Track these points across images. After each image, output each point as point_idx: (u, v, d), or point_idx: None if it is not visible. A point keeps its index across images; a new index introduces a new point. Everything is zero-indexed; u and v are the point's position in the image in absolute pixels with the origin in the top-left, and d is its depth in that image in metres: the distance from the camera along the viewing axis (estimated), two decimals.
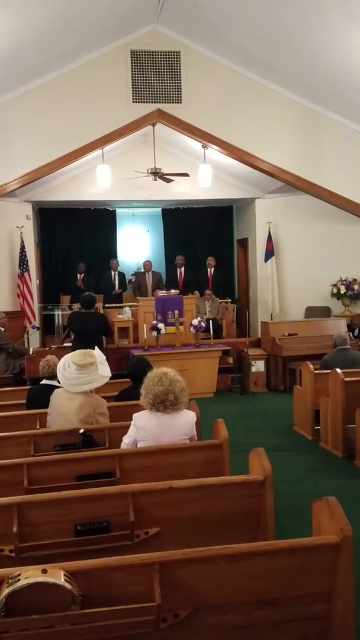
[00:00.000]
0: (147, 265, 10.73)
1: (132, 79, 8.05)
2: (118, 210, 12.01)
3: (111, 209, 11.87)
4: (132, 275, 11.38)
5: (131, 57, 8.02)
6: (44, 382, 4.74)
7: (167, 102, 8.14)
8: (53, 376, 4.63)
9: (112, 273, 10.61)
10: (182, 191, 10.29)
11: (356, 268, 9.58)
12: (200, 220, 11.84)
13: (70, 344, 6.97)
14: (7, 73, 7.21)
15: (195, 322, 8.13)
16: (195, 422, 3.38)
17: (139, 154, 9.38)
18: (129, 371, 4.62)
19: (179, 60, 8.11)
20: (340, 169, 8.63)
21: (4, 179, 7.92)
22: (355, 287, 9.49)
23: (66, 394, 3.86)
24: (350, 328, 8.55)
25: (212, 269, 10.54)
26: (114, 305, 9.93)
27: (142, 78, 8.07)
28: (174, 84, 8.14)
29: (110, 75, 7.99)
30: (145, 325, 8.12)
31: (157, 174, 8.82)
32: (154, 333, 7.94)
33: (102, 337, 7.35)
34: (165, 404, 3.20)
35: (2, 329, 7.81)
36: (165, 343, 8.15)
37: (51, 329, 9.77)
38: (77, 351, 3.98)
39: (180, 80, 8.14)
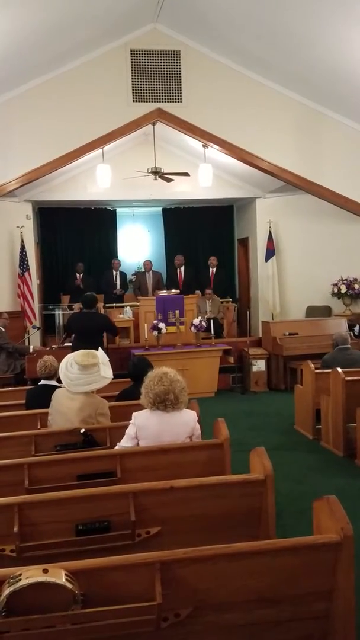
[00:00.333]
0: (148, 264, 10.74)
1: (132, 78, 8.05)
2: (118, 210, 12.00)
3: (111, 209, 11.86)
4: (132, 275, 11.39)
5: (131, 56, 8.02)
6: (42, 382, 4.74)
7: (167, 102, 8.14)
8: (51, 376, 4.64)
9: (114, 273, 10.61)
10: (183, 191, 10.29)
11: (357, 267, 9.57)
12: (201, 219, 11.83)
13: (70, 344, 6.97)
14: (6, 72, 7.21)
15: (196, 321, 8.13)
16: (196, 420, 3.38)
17: (139, 154, 9.38)
18: (130, 371, 4.62)
19: (179, 60, 8.11)
20: (340, 168, 8.63)
21: (4, 178, 7.91)
22: (356, 286, 9.48)
23: (67, 394, 3.86)
24: (350, 327, 8.55)
25: (214, 269, 10.54)
26: (114, 305, 9.93)
27: (142, 77, 8.07)
28: (174, 83, 8.14)
29: (110, 74, 7.99)
30: (146, 325, 8.13)
31: (157, 173, 8.81)
32: (155, 333, 7.94)
33: (103, 337, 7.34)
34: (165, 403, 3.21)
35: (3, 329, 7.81)
36: (166, 343, 8.15)
37: (51, 328, 9.77)
38: (80, 351, 3.97)
39: (180, 79, 8.14)
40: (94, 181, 9.36)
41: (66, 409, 3.81)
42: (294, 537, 2.06)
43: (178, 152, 9.99)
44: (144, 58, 8.06)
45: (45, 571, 1.75)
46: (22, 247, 9.57)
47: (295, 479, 4.83)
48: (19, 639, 1.82)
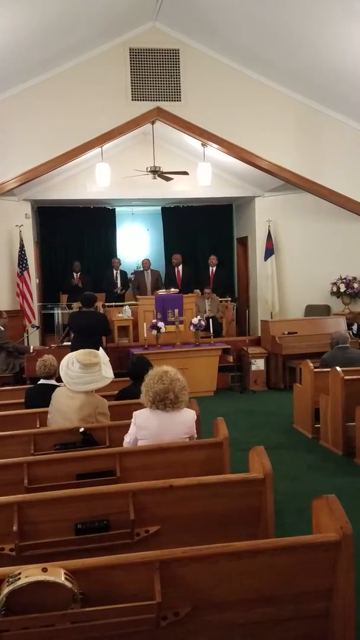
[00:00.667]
0: (146, 263, 10.74)
1: (131, 77, 8.04)
2: (117, 209, 12.00)
3: (110, 208, 11.86)
4: (131, 274, 11.39)
5: (130, 55, 8.01)
6: (41, 381, 4.74)
7: (166, 100, 8.14)
8: (50, 376, 4.64)
9: (114, 272, 10.61)
10: (182, 189, 10.28)
11: (356, 266, 9.57)
12: (200, 218, 11.84)
13: (69, 343, 6.97)
14: (5, 71, 7.20)
15: (195, 320, 8.13)
16: (195, 421, 3.38)
17: (138, 152, 9.38)
18: (129, 370, 4.63)
19: (178, 58, 8.11)
20: (340, 167, 8.62)
21: (3, 177, 7.91)
22: (355, 285, 9.49)
23: (67, 393, 3.86)
24: (348, 326, 8.56)
25: (214, 268, 10.54)
26: (113, 304, 9.93)
27: (141, 76, 8.06)
28: (173, 82, 8.13)
29: (109, 73, 7.98)
30: (145, 324, 8.12)
31: (156, 172, 8.81)
32: (154, 332, 7.94)
33: (102, 337, 7.35)
34: (165, 402, 3.21)
35: (2, 329, 7.80)
36: (165, 342, 8.15)
37: (51, 328, 9.77)
38: (82, 350, 3.97)
39: (179, 78, 8.13)
40: (93, 180, 9.36)
41: (66, 408, 3.81)
42: (294, 536, 2.06)
43: (177, 151, 9.98)
44: (143, 57, 8.05)
45: (45, 570, 1.76)
46: (21, 246, 9.57)
47: (294, 477, 4.83)
48: (19, 637, 1.82)
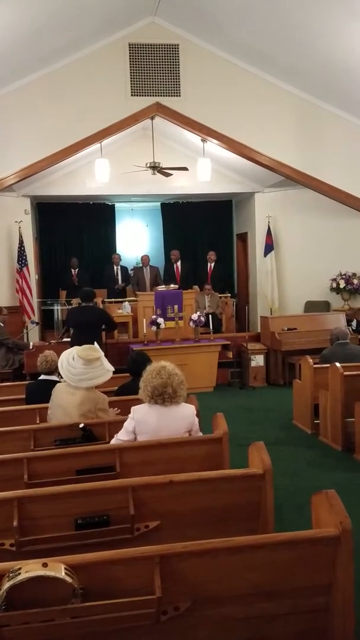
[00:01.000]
0: (145, 259, 10.72)
1: (131, 72, 8.02)
2: (117, 205, 11.98)
3: (110, 204, 11.84)
4: (131, 270, 11.39)
5: (129, 50, 7.98)
6: (42, 377, 4.74)
7: (166, 96, 8.12)
8: (51, 371, 4.64)
9: (115, 267, 10.60)
10: (181, 185, 10.26)
11: (356, 262, 9.57)
12: (200, 214, 11.81)
13: (69, 339, 6.97)
14: (4, 67, 7.18)
15: (194, 316, 8.13)
16: (195, 414, 3.38)
17: (138, 148, 9.35)
18: (129, 366, 4.63)
19: (178, 53, 8.08)
20: (339, 162, 8.61)
21: (2, 173, 7.90)
22: (355, 281, 9.49)
23: (68, 389, 3.86)
24: (348, 322, 8.56)
25: (213, 264, 10.52)
26: (113, 300, 9.92)
27: (140, 71, 8.04)
28: (172, 77, 8.11)
29: (109, 68, 7.95)
30: (144, 320, 8.12)
31: (156, 168, 8.79)
32: (154, 328, 7.94)
33: (102, 332, 7.34)
34: (163, 396, 3.22)
35: (2, 325, 7.80)
36: (165, 338, 8.15)
37: (50, 324, 9.76)
38: (81, 346, 3.97)
39: (178, 73, 8.11)
40: (92, 176, 9.33)
41: (66, 404, 3.81)
42: (293, 531, 2.07)
43: (177, 146, 9.96)
44: (142, 52, 8.02)
45: (45, 565, 1.76)
46: (21, 242, 9.55)
47: (293, 473, 4.84)
48: (19, 632, 1.82)
